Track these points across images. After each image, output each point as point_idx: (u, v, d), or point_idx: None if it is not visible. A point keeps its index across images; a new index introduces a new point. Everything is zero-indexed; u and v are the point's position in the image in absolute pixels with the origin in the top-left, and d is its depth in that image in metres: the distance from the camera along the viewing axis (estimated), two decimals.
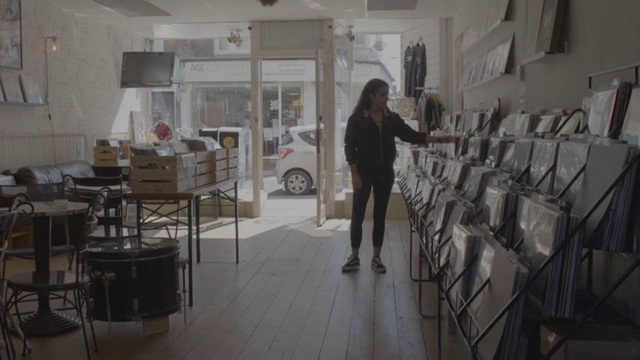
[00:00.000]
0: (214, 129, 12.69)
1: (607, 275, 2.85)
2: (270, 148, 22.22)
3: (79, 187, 6.84)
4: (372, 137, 6.79)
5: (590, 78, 3.38)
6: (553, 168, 2.82)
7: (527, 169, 3.20)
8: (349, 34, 11.84)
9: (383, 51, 27.64)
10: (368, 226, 7.12)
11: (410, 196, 6.07)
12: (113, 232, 6.56)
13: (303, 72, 22.24)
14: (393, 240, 8.64)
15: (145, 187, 5.71)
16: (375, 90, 6.84)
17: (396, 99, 13.27)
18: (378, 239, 7.02)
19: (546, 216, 2.22)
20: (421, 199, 5.16)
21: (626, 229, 2.11)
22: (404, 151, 12.05)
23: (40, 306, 4.99)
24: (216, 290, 6.14)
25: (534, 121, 4.16)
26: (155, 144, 11.03)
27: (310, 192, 14.21)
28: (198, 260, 7.16)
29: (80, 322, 4.56)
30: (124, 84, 11.43)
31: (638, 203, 2.11)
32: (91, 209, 4.68)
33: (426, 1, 9.33)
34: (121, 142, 10.53)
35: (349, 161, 6.99)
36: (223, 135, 12.00)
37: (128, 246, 5.26)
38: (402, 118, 12.02)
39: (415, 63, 11.62)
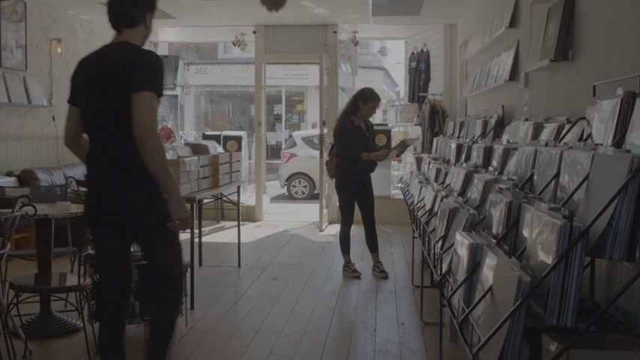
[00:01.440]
0: (218, 132, 12.71)
1: (609, 284, 2.85)
2: (274, 152, 22.24)
3: (82, 189, 6.84)
4: (363, 145, 6.80)
5: (594, 86, 3.38)
6: (556, 176, 2.81)
7: (531, 177, 3.19)
8: (353, 39, 11.86)
9: (387, 56, 27.70)
10: (357, 232, 7.11)
11: (412, 202, 6.07)
12: None
13: (307, 76, 22.28)
14: (395, 246, 8.63)
15: None
16: (367, 101, 6.82)
17: (400, 105, 13.28)
18: (373, 245, 6.99)
19: (549, 224, 2.22)
20: (424, 205, 5.15)
21: (629, 239, 2.11)
22: (407, 156, 12.04)
23: (41, 308, 4.98)
24: (217, 294, 6.14)
25: (538, 129, 4.16)
26: None
27: (313, 197, 14.20)
28: (200, 264, 7.16)
29: (81, 324, 4.56)
30: None
31: None
32: None
33: (431, 8, 9.34)
34: None
35: (358, 158, 6.77)
36: (227, 139, 12.02)
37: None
38: (406, 123, 12.10)
39: (419, 69, 11.64)
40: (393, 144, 11.05)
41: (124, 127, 3.16)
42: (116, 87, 3.20)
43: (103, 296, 3.54)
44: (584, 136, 3.13)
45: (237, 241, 7.42)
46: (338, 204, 7.15)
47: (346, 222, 6.96)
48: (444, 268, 3.40)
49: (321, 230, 9.99)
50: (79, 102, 3.41)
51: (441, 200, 4.20)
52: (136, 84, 3.16)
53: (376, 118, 17.76)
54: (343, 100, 11.99)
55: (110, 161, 3.30)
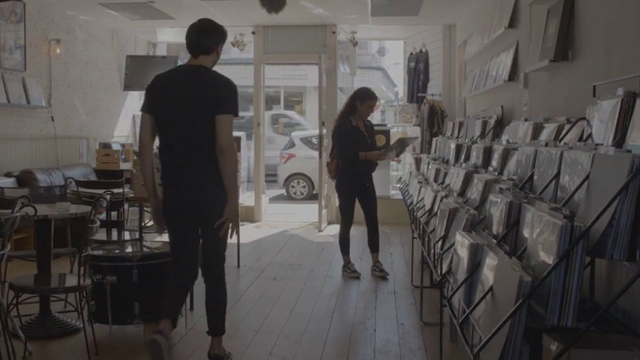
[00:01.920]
0: None
1: (609, 284, 2.85)
2: None
3: (81, 189, 6.84)
4: (361, 145, 6.80)
5: (594, 86, 3.38)
6: (557, 176, 2.82)
7: (531, 177, 3.20)
8: (352, 39, 11.85)
9: (385, 57, 27.72)
10: (361, 232, 7.11)
11: (412, 202, 6.07)
12: (115, 236, 6.56)
13: (305, 77, 22.25)
14: (395, 246, 8.63)
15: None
16: (364, 100, 6.82)
17: (399, 105, 13.28)
18: (374, 245, 6.99)
19: (550, 224, 2.22)
20: (423, 205, 5.16)
21: (630, 239, 2.11)
22: (406, 157, 12.04)
23: (41, 308, 4.98)
24: None
25: (537, 129, 4.17)
26: (157, 148, 11.01)
27: (312, 197, 14.19)
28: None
29: (81, 325, 4.55)
30: (127, 87, 11.44)
31: None
32: (93, 212, 4.69)
33: (430, 8, 9.34)
34: (123, 145, 10.53)
35: (355, 157, 6.74)
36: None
37: (130, 249, 5.26)
38: (405, 124, 12.10)
39: (418, 69, 11.64)
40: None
41: (206, 137, 3.99)
42: (204, 104, 4.00)
43: (179, 263, 4.24)
44: (584, 137, 3.13)
45: (236, 242, 7.41)
46: (338, 204, 7.14)
47: (346, 222, 6.97)
48: (444, 268, 3.40)
49: (320, 230, 9.99)
50: (155, 111, 4.13)
51: (441, 200, 4.21)
52: (221, 107, 3.99)
53: (375, 119, 17.77)
54: (342, 101, 11.96)
55: (193, 163, 4.03)
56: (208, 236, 4.15)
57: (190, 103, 4.02)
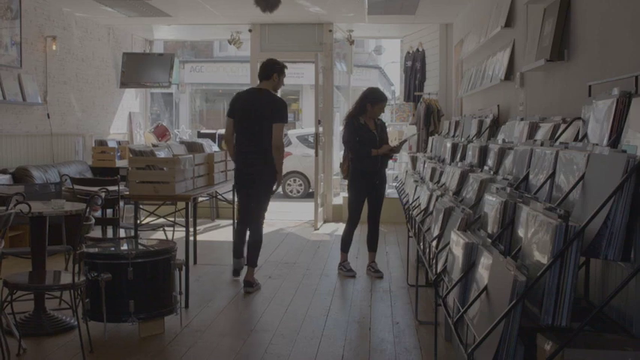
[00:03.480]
0: (213, 131, 12.67)
1: (604, 284, 2.86)
2: None
3: (76, 187, 6.82)
4: (369, 144, 6.79)
5: (589, 86, 3.38)
6: (552, 176, 2.82)
7: (526, 177, 3.20)
8: (349, 38, 11.85)
9: (382, 55, 27.66)
10: (359, 231, 7.10)
11: (408, 201, 6.07)
12: (110, 233, 6.54)
13: (302, 75, 22.22)
14: (390, 245, 8.63)
15: (143, 189, 5.71)
16: (375, 103, 6.82)
17: (395, 104, 13.26)
18: (373, 244, 6.99)
19: (544, 224, 2.22)
20: (419, 204, 5.16)
21: (625, 239, 2.11)
22: (402, 156, 12.04)
23: (35, 306, 4.97)
24: (212, 292, 6.13)
25: (533, 129, 4.17)
26: (153, 145, 11.01)
27: (308, 195, 14.19)
28: (195, 262, 7.15)
29: (76, 322, 4.54)
30: (124, 84, 11.42)
31: (636, 212, 2.12)
32: (88, 209, 4.67)
33: (427, 7, 9.34)
34: (119, 143, 10.51)
35: (367, 155, 6.77)
36: (222, 137, 11.99)
37: (125, 247, 5.24)
38: (401, 122, 12.09)
39: (415, 68, 11.63)
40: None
41: (266, 136, 6.12)
42: (266, 115, 6.14)
43: (240, 216, 6.65)
44: (580, 136, 3.13)
45: (231, 240, 7.39)
46: (347, 203, 7.13)
47: (352, 222, 6.95)
48: (440, 267, 3.41)
49: (316, 229, 9.98)
50: (235, 116, 6.26)
51: (437, 199, 4.21)
52: (276, 118, 6.15)
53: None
54: (339, 99, 11.95)
55: (257, 152, 6.17)
56: (256, 197, 6.28)
57: (258, 114, 6.14)
